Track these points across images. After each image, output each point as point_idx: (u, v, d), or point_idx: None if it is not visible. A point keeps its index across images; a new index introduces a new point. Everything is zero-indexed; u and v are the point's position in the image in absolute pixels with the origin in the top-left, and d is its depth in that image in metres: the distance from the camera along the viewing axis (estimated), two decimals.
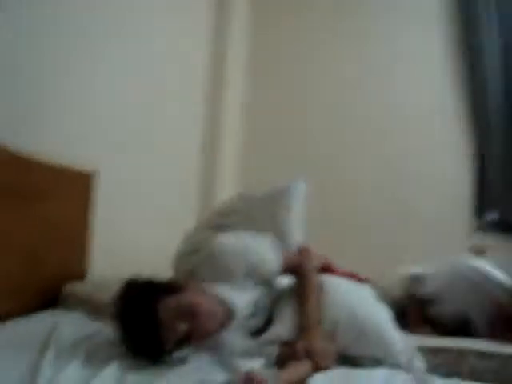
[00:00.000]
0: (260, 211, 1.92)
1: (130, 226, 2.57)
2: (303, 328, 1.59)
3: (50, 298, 2.09)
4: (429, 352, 1.71)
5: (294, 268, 1.77)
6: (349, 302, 1.70)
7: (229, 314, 1.57)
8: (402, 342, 1.67)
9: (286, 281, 1.84)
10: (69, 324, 1.76)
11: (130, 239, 2.43)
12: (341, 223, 3.36)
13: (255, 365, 1.40)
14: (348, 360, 1.61)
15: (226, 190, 3.34)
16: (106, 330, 1.78)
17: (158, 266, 2.75)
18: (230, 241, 1.68)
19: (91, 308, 1.99)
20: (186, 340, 1.44)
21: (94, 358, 1.45)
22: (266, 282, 1.74)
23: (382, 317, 1.73)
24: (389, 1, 3.62)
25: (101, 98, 2.44)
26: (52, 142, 2.14)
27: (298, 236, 1.95)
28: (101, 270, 2.33)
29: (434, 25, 3.48)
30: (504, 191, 3.23)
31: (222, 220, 1.94)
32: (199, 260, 1.72)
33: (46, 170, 2.07)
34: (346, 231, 3.36)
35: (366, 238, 3.36)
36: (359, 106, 3.59)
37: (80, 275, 2.27)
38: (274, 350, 1.54)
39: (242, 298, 1.63)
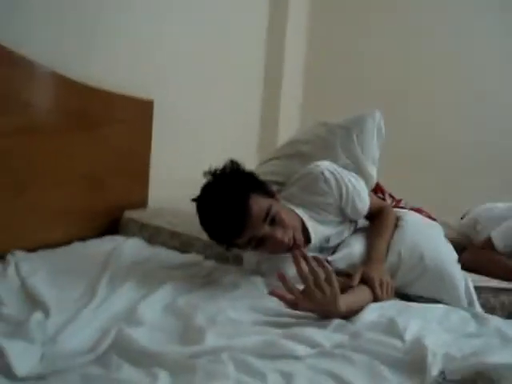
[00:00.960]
0: (339, 141, 1.82)
1: (188, 155, 2.57)
2: (369, 259, 1.54)
3: (111, 223, 2.15)
4: (490, 292, 1.63)
5: (376, 211, 1.71)
6: (417, 240, 1.62)
7: (304, 241, 1.55)
8: (464, 285, 1.59)
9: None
10: (127, 248, 1.81)
11: (188, 168, 2.42)
12: (407, 158, 3.22)
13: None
14: (407, 299, 1.55)
15: (288, 123, 3.26)
16: (162, 254, 1.83)
17: None
18: (334, 168, 1.62)
19: (149, 234, 2.03)
20: (257, 243, 1.44)
21: (148, 280, 1.48)
22: (351, 222, 1.70)
23: (448, 258, 1.63)
24: None
25: (160, 28, 2.39)
26: (114, 71, 2.14)
27: (373, 172, 1.87)
28: (160, 197, 2.35)
29: None
30: None
31: (300, 147, 1.86)
32: (293, 180, 1.68)
33: (108, 97, 2.08)
34: (413, 166, 3.21)
35: (435, 174, 3.21)
36: (426, 38, 3.35)
37: (140, 202, 2.31)
38: None
39: (320, 231, 1.60)
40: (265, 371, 0.99)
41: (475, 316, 1.40)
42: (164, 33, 2.42)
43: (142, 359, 1.01)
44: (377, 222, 1.68)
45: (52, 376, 0.97)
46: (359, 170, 1.78)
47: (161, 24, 2.39)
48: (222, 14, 2.79)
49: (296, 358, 1.07)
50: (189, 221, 2.09)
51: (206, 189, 1.47)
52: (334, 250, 1.65)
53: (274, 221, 1.43)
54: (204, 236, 1.94)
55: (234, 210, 1.38)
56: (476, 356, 0.96)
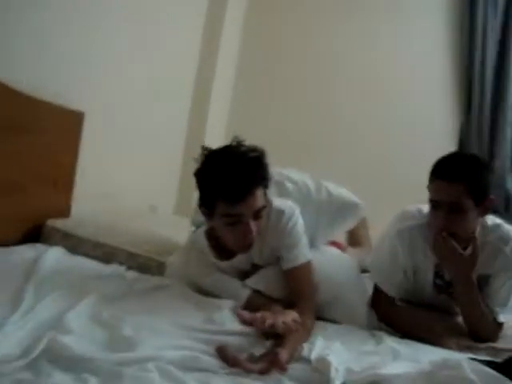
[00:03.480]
0: (318, 203, 1.95)
1: (115, 168, 2.61)
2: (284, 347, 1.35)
3: (32, 231, 2.15)
4: None
5: (300, 296, 1.61)
6: (331, 268, 1.79)
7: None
8: (369, 314, 1.77)
9: None
10: (50, 257, 1.83)
11: (113, 182, 2.48)
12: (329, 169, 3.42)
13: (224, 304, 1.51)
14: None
15: (215, 138, 3.37)
16: (85, 264, 1.87)
17: (139, 206, 2.83)
18: (299, 217, 1.68)
19: (72, 243, 2.06)
20: (232, 221, 1.48)
21: (73, 290, 1.52)
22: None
23: (357, 288, 1.82)
24: None
25: (95, 42, 2.45)
26: (46, 80, 2.17)
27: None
28: (84, 208, 2.38)
29: None
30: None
31: (285, 182, 1.93)
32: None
33: (37, 105, 2.10)
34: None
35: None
36: (351, 62, 3.65)
37: (64, 213, 2.33)
38: (245, 293, 1.62)
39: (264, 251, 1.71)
40: (187, 380, 1.08)
41: (373, 335, 1.58)
42: (101, 46, 2.47)
43: (73, 366, 1.06)
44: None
45: None
46: (311, 239, 1.85)
47: (99, 38, 2.45)
48: (155, 32, 2.87)
49: (214, 372, 1.17)
50: (111, 232, 2.16)
51: (221, 150, 1.52)
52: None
53: (256, 217, 1.50)
54: (127, 247, 2.04)
55: (249, 174, 1.45)
56: (373, 369, 1.11)
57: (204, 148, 1.54)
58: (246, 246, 1.56)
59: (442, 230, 1.68)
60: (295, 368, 1.24)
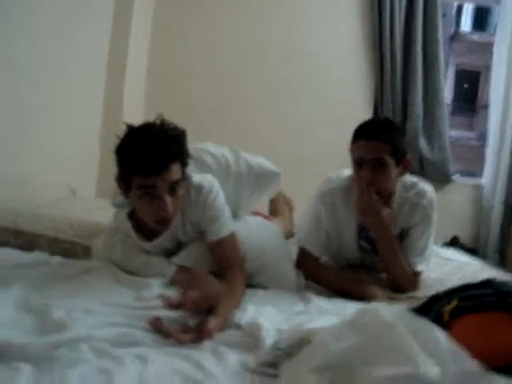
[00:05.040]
0: (237, 175, 1.95)
1: (27, 152, 2.52)
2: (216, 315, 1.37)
3: None
4: None
5: (227, 264, 1.65)
6: (257, 237, 1.83)
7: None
8: (296, 278, 1.83)
9: None
10: None
11: (28, 166, 2.39)
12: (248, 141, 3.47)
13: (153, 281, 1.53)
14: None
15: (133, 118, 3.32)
16: (6, 254, 1.81)
17: (58, 190, 2.76)
18: (218, 190, 1.70)
19: None
20: (146, 193, 1.48)
21: None
22: None
23: (283, 253, 1.87)
24: None
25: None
26: None
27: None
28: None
29: None
30: None
31: (205, 156, 1.92)
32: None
33: None
34: None
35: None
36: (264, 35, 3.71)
37: None
38: (171, 269, 1.63)
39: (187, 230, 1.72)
40: (122, 356, 1.09)
41: (302, 297, 1.65)
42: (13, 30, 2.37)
43: (2, 355, 1.04)
44: (230, 286, 1.56)
45: None
46: (233, 210, 1.87)
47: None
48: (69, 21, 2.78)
49: (149, 346, 1.18)
50: (31, 219, 2.09)
51: (141, 126, 1.53)
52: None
53: (172, 192, 1.50)
54: (49, 232, 1.98)
55: (165, 147, 1.45)
56: (300, 326, 1.17)
57: (127, 125, 1.54)
58: (164, 222, 1.56)
59: (367, 186, 1.77)
60: (228, 334, 1.28)
